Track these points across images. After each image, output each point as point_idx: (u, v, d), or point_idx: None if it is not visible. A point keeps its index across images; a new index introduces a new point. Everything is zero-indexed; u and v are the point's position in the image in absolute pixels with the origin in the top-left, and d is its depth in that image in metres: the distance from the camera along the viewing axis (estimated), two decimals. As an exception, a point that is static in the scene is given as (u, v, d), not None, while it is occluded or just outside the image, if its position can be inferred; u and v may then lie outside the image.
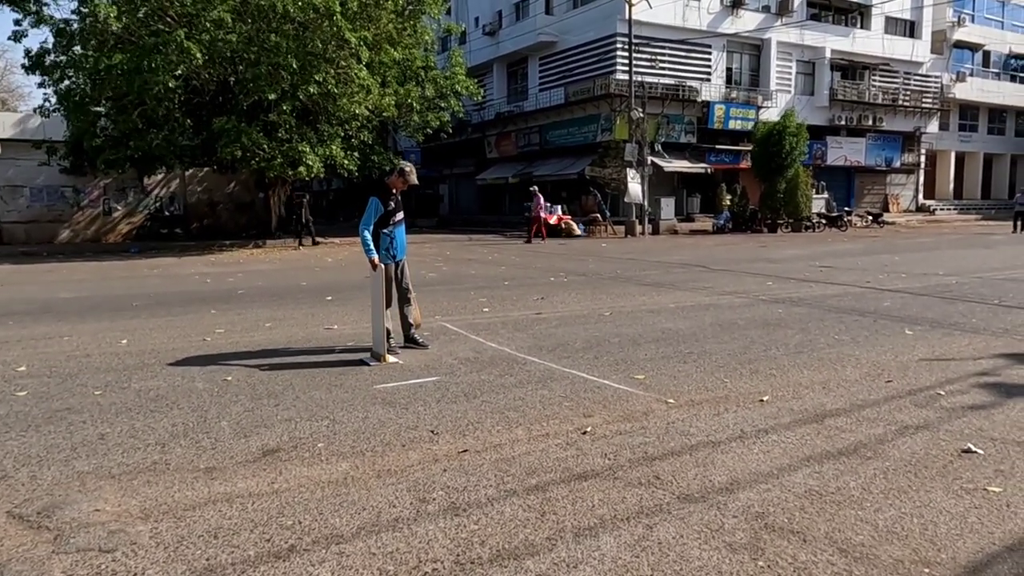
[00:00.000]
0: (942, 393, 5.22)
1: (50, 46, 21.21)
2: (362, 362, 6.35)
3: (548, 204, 26.64)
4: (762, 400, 5.08)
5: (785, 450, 4.09)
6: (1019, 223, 27.31)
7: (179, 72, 18.53)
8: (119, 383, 5.70)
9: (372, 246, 6.53)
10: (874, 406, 4.93)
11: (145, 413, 4.91)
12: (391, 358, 6.39)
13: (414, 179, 6.81)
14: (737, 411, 4.84)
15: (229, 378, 5.82)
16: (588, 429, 4.47)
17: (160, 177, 27.10)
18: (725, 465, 3.86)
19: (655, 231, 27.98)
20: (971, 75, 42.92)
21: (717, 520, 3.21)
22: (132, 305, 10.14)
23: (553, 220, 27.17)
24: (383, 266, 6.59)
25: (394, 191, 6.75)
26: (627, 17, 27.47)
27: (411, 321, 7.01)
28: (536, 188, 25.65)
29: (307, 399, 5.22)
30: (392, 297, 6.82)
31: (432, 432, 4.45)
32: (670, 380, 5.67)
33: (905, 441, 4.23)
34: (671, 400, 5.11)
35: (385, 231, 6.65)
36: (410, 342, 6.99)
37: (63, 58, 21.16)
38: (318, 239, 23.66)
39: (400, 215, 6.84)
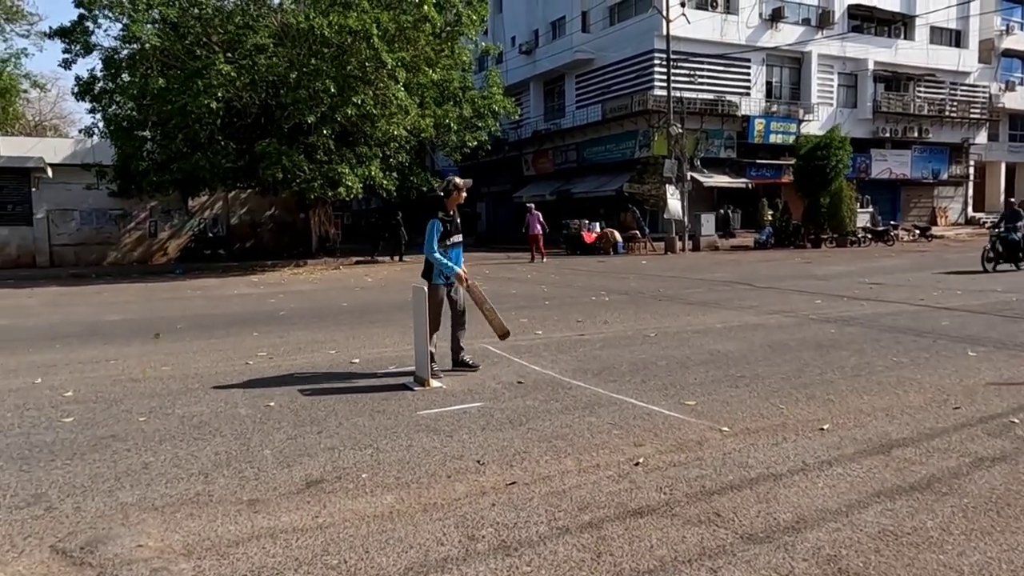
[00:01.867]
0: (1016, 421, 4.92)
1: (99, 73, 21.81)
2: (405, 387, 6.25)
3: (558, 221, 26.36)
4: (822, 429, 4.84)
5: (852, 484, 3.85)
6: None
7: (220, 95, 18.87)
8: (163, 409, 5.68)
9: (447, 262, 6.57)
10: (943, 435, 4.66)
11: (188, 441, 4.86)
12: (434, 382, 6.28)
13: (467, 183, 6.81)
14: (796, 440, 4.61)
15: (272, 403, 5.77)
16: (640, 460, 4.29)
17: (204, 199, 27.62)
18: (789, 501, 3.65)
19: (696, 247, 27.60)
20: (1020, 84, 41.79)
21: (786, 564, 3.00)
22: (176, 328, 10.22)
23: (591, 238, 26.98)
24: (436, 287, 6.58)
25: (452, 212, 6.71)
26: (665, 33, 27.33)
27: (461, 344, 6.93)
28: (533, 206, 24.96)
29: (350, 426, 5.12)
30: (441, 320, 6.76)
31: (478, 463, 4.31)
32: (722, 406, 5.46)
33: (982, 475, 3.96)
34: (725, 428, 4.90)
35: (440, 252, 6.61)
36: (460, 365, 6.90)
37: (111, 85, 21.76)
38: (387, 258, 24.47)
39: (458, 237, 6.81)
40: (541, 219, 23.60)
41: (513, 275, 17.88)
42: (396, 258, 25.49)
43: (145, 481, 4.13)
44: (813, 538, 3.23)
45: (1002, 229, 16.65)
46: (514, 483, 3.99)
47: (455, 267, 6.63)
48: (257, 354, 7.98)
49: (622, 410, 5.41)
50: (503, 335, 7.20)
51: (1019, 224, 16.40)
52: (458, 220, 6.83)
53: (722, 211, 32.43)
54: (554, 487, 3.91)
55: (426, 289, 6.42)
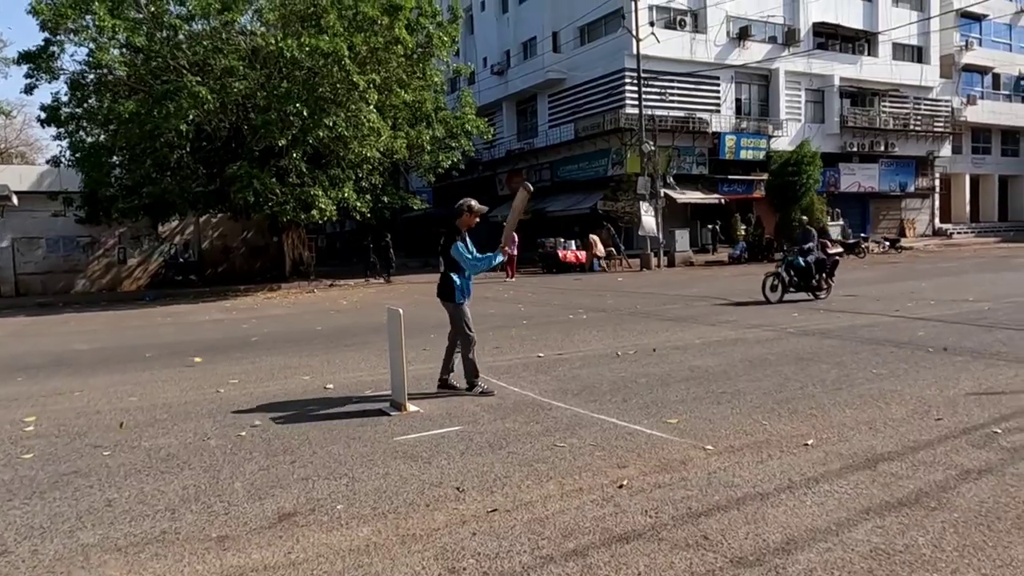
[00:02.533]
0: (999, 431, 4.89)
1: (64, 98, 21.47)
2: (381, 412, 6.09)
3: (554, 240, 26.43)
4: (807, 444, 4.77)
5: (840, 501, 3.77)
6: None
7: (191, 117, 18.63)
8: (129, 442, 5.47)
9: (485, 259, 6.59)
10: (928, 448, 4.61)
11: (155, 475, 4.66)
12: (411, 407, 6.13)
13: (482, 209, 6.76)
14: (782, 457, 4.53)
15: (243, 433, 5.58)
16: (624, 482, 4.18)
17: (175, 224, 27.22)
18: (778, 521, 3.56)
19: (671, 263, 27.70)
20: (982, 98, 42.78)
21: (779, 588, 2.91)
22: (145, 356, 9.95)
23: (570, 256, 26.99)
24: (460, 305, 6.59)
25: (464, 231, 6.66)
26: (635, 52, 27.59)
27: (452, 368, 6.91)
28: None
29: (324, 454, 4.96)
30: (474, 336, 6.75)
31: (458, 489, 4.17)
32: (705, 424, 5.37)
33: (970, 488, 3.90)
34: (709, 447, 4.81)
35: (454, 274, 6.59)
36: (445, 387, 6.86)
37: (78, 110, 21.42)
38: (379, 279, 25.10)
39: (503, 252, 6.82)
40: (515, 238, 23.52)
41: (490, 294, 17.75)
42: (386, 279, 25.60)
43: (108, 520, 3.94)
44: (804, 559, 3.14)
45: (793, 253, 13.77)
46: (495, 510, 3.85)
47: (497, 255, 6.66)
48: (229, 381, 7.77)
49: (604, 430, 5.30)
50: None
51: (808, 246, 13.55)
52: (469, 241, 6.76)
53: (711, 227, 32.54)
54: (537, 513, 3.79)
55: (451, 309, 6.60)
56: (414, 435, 5.36)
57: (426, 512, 3.87)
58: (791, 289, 13.52)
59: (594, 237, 27.29)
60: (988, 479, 4.03)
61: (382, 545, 3.48)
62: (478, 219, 6.75)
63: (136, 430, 5.82)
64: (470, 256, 6.54)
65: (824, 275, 13.72)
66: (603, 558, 3.23)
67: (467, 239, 6.66)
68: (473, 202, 6.73)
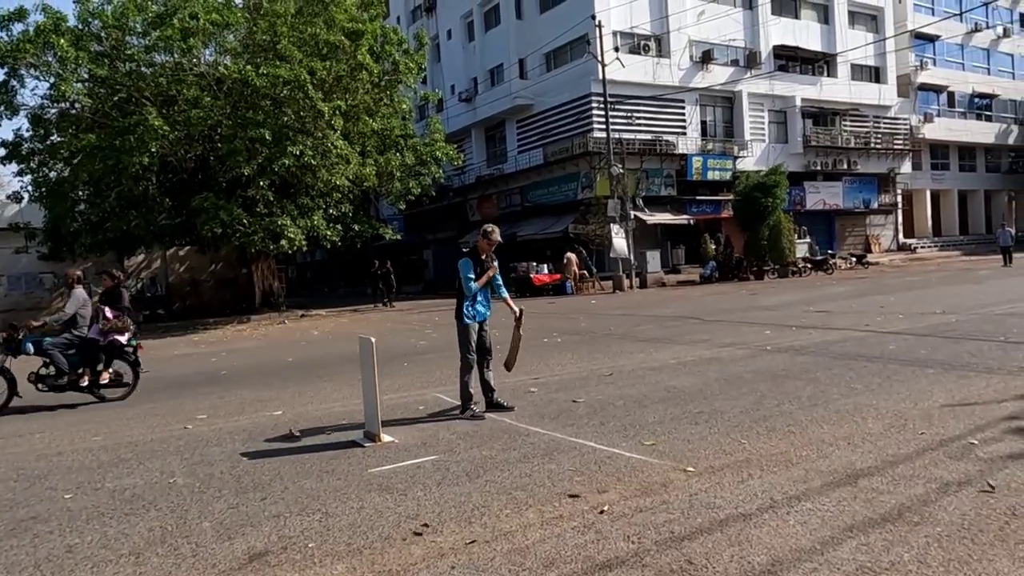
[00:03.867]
0: (975, 442, 4.90)
1: (25, 134, 21.12)
2: (355, 443, 5.95)
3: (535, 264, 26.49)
4: (787, 462, 4.73)
5: (824, 520, 3.73)
6: (1006, 256, 27.50)
7: (152, 149, 18.41)
8: (92, 483, 5.27)
9: (478, 296, 6.71)
10: (907, 461, 4.60)
11: (119, 517, 4.48)
12: (386, 437, 6.00)
13: (497, 236, 6.90)
14: (762, 476, 4.48)
15: (212, 470, 5.41)
16: (605, 507, 4.09)
17: (141, 259, 26.82)
18: (762, 542, 3.50)
19: (643, 284, 27.85)
20: (938, 115, 43.91)
21: (766, 612, 2.84)
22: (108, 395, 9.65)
23: (544, 279, 27.04)
24: (467, 326, 6.65)
25: (483, 255, 6.78)
26: (601, 77, 27.92)
27: (493, 385, 6.90)
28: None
29: (296, 489, 4.81)
30: (472, 360, 6.75)
31: (424, 527, 4.03)
32: (684, 444, 5.32)
33: (951, 501, 3.88)
34: (690, 468, 4.75)
35: (461, 295, 6.68)
36: (493, 407, 6.83)
37: (39, 145, 21.08)
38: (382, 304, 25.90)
39: (484, 279, 6.79)
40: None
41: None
42: (388, 304, 26.19)
43: (68, 567, 3.76)
44: (791, 581, 3.07)
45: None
46: (474, 541, 3.75)
47: (503, 290, 6.98)
48: (196, 417, 7.56)
49: (583, 455, 5.22)
50: (509, 366, 7.22)
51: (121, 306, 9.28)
52: (486, 263, 6.82)
53: (716, 243, 31.77)
54: (517, 543, 3.69)
55: (458, 328, 6.69)
56: (389, 466, 5.24)
57: (402, 546, 3.75)
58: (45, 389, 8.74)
59: (570, 256, 27.41)
60: (968, 491, 4.01)
61: (357, 583, 3.35)
62: (492, 247, 6.88)
63: (99, 471, 5.61)
64: (469, 277, 6.65)
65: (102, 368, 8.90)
66: (586, 588, 3.14)
67: (482, 264, 6.76)
68: (489, 227, 6.97)
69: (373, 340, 6.09)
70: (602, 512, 4.04)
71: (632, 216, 28.18)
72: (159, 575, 3.58)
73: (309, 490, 4.79)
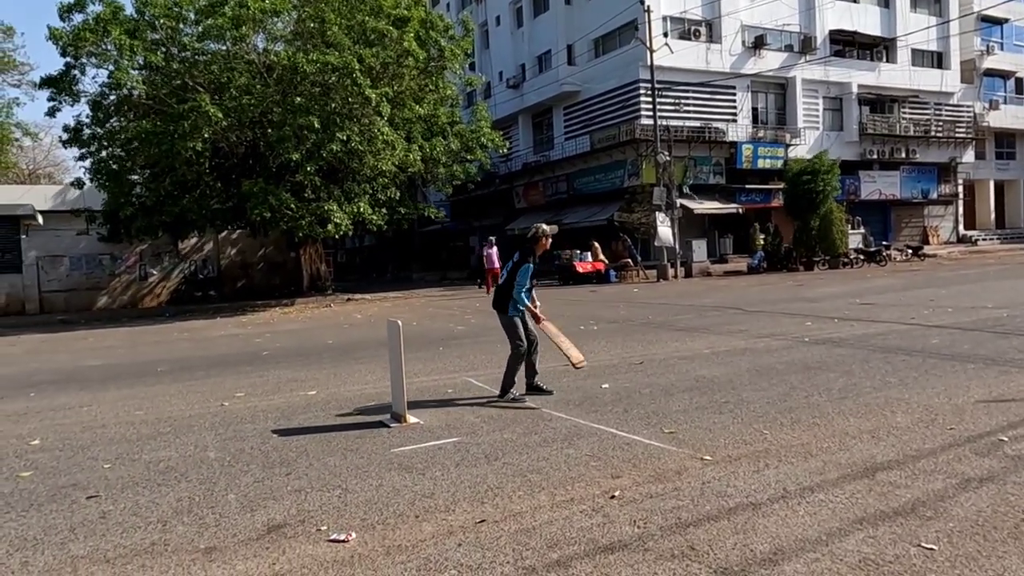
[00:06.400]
0: (1005, 439, 4.78)
1: (86, 119, 21.90)
2: (382, 424, 6.09)
3: (569, 252, 26.43)
4: (806, 453, 4.68)
5: (834, 511, 3.70)
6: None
7: (206, 135, 18.91)
8: (130, 455, 5.52)
9: (528, 303, 6.88)
10: (930, 456, 4.51)
11: (152, 487, 4.69)
12: (412, 418, 6.13)
13: (554, 230, 7.17)
14: (779, 467, 4.45)
15: (243, 445, 5.61)
16: (616, 493, 4.13)
17: (194, 241, 27.59)
18: (767, 531, 3.49)
19: (688, 274, 27.52)
20: (1005, 103, 42.21)
21: (760, 599, 2.85)
22: (156, 371, 10.06)
23: (587, 268, 26.94)
24: (513, 318, 6.85)
25: (537, 256, 6.97)
26: (649, 63, 27.57)
27: (537, 368, 7.09)
28: (493, 239, 25.81)
29: (320, 466, 4.96)
30: (523, 350, 6.90)
31: (426, 512, 4.14)
32: (705, 433, 5.31)
33: (968, 497, 3.81)
34: (707, 456, 4.74)
35: (525, 291, 6.87)
36: (534, 390, 6.99)
37: (99, 130, 21.83)
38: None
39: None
40: (496, 253, 24.38)
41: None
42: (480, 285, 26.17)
43: (100, 531, 3.96)
44: (791, 570, 3.07)
45: None
46: (483, 521, 3.83)
47: (532, 307, 6.97)
48: (235, 395, 7.82)
49: (602, 441, 5.25)
50: (578, 364, 7.18)
51: None
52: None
53: (765, 232, 30.25)
54: (524, 524, 3.75)
55: (505, 321, 6.91)
56: (411, 447, 5.35)
57: (414, 523, 3.85)
58: None
59: (595, 243, 27.31)
60: (988, 488, 3.93)
61: (366, 556, 3.47)
62: (548, 242, 7.04)
63: (139, 443, 5.87)
64: (525, 285, 6.81)
65: None
66: (586, 568, 3.19)
67: (536, 264, 6.90)
68: (545, 227, 7.09)
69: (400, 323, 6.21)
70: (612, 497, 4.07)
71: (678, 204, 27.84)
72: (182, 542, 3.76)
73: (332, 467, 4.94)
